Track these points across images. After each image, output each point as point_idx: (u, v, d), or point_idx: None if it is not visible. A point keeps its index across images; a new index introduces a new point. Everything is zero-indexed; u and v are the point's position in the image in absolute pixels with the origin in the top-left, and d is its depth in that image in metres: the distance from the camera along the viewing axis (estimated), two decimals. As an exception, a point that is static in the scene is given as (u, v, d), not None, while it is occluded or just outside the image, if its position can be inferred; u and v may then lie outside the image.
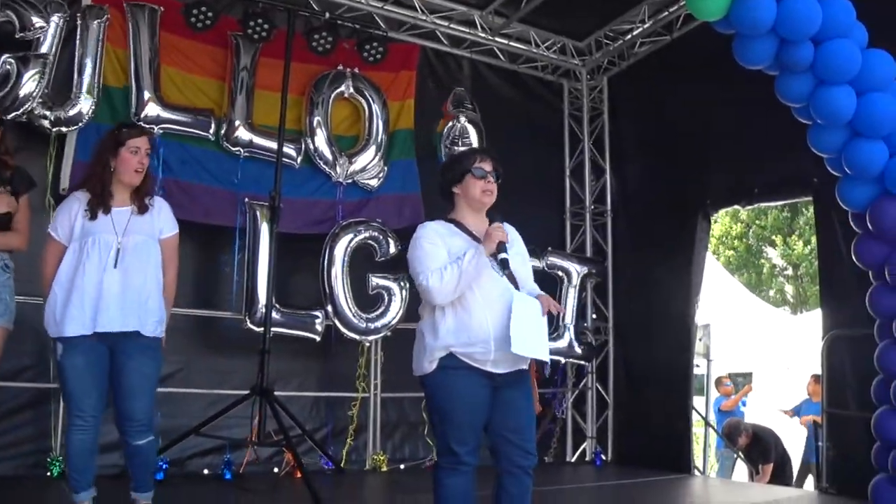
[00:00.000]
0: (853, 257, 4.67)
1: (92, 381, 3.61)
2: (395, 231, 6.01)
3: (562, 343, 6.73)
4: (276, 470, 5.51)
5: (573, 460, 7.08)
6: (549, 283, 6.79)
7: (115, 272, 3.61)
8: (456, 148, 6.37)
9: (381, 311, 5.95)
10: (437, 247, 3.23)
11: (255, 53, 5.74)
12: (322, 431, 5.95)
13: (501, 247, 3.15)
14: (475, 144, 6.48)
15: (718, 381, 9.49)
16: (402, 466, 6.10)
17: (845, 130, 4.52)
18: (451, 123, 6.54)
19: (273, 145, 5.66)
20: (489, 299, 3.19)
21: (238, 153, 5.67)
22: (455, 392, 3.21)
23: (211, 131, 5.61)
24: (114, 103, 5.35)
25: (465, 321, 3.18)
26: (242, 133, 5.66)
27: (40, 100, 5.05)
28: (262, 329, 5.32)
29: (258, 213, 5.58)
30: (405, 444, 6.24)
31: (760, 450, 7.68)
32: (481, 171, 3.33)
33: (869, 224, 4.61)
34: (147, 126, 4.93)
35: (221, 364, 5.66)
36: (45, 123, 5.11)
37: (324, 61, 6.01)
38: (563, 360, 6.79)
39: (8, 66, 5.00)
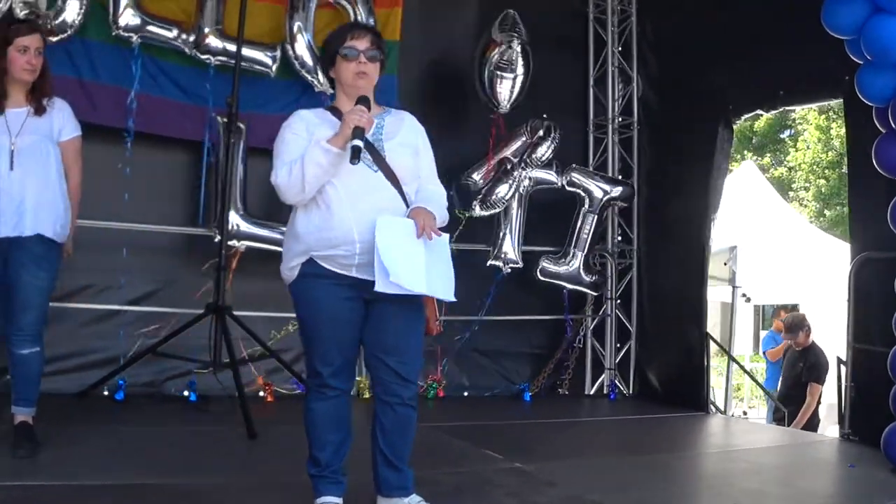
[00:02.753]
0: (874, 161, 3.99)
1: None
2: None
3: (568, 268, 6.23)
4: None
5: (591, 393, 6.60)
6: (565, 203, 6.27)
7: (10, 174, 3.43)
8: (502, 74, 5.86)
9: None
10: (298, 137, 2.82)
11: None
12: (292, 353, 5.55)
13: (357, 133, 2.68)
14: (520, 75, 5.89)
15: (776, 314, 8.78)
16: None
17: (866, 4, 3.83)
18: (501, 49, 5.85)
19: (251, 54, 5.33)
20: (354, 195, 2.76)
21: (208, 62, 5.31)
22: (315, 302, 2.82)
23: (181, 41, 5.25)
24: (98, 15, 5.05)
25: (326, 220, 2.77)
26: (213, 41, 5.25)
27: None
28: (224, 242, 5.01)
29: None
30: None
31: (814, 364, 6.69)
32: (352, 51, 2.87)
33: (891, 120, 3.92)
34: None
35: (199, 282, 5.38)
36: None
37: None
38: (567, 286, 6.28)
39: None
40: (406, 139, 2.95)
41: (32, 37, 3.55)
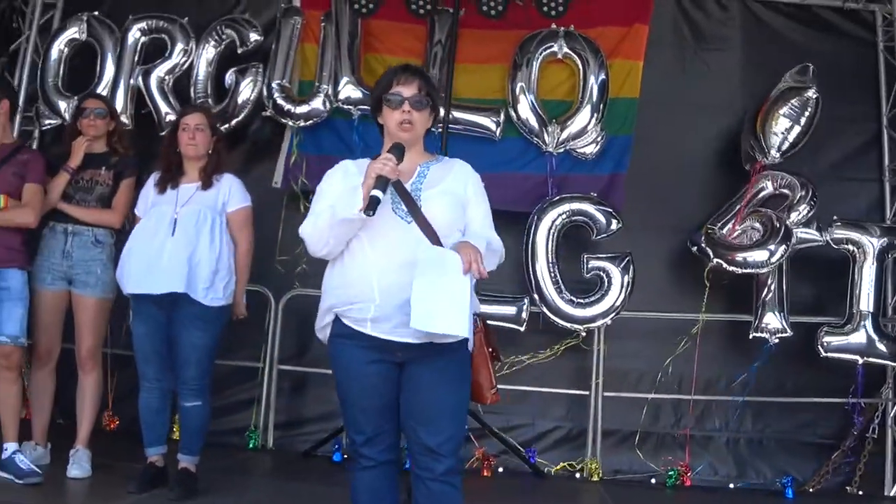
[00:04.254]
0: None
1: (151, 349, 3.87)
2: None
3: (858, 338, 5.18)
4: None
5: (892, 494, 5.37)
6: (835, 265, 5.31)
7: (172, 239, 3.79)
8: (784, 121, 5.23)
9: (598, 296, 5.15)
10: (332, 188, 2.67)
11: (451, 26, 5.35)
12: (527, 430, 5.34)
13: (379, 182, 2.46)
14: (803, 125, 5.21)
15: None
16: (617, 477, 5.17)
17: None
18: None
19: (473, 118, 5.36)
20: (382, 248, 2.55)
21: (434, 130, 5.37)
22: (343, 366, 2.63)
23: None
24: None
25: (348, 275, 2.59)
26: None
27: (282, 94, 5.37)
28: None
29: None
30: (623, 452, 5.28)
31: None
32: (397, 98, 2.66)
33: None
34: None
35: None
36: (289, 120, 5.43)
37: (533, 24, 5.44)
38: (860, 359, 5.20)
39: (230, 79, 5.49)
40: (449, 187, 2.68)
41: (193, 115, 4.08)
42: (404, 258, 2.50)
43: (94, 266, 4.19)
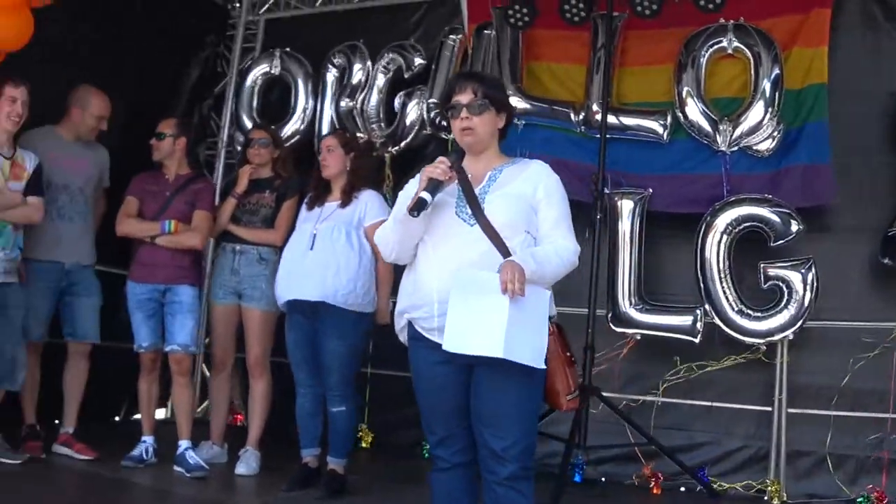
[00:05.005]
0: None
1: (301, 356, 4.21)
2: (801, 210, 4.77)
3: None
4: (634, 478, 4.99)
5: None
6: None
7: (310, 253, 4.12)
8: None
9: (777, 307, 4.78)
10: (405, 195, 2.73)
11: (608, 30, 5.24)
12: (712, 449, 5.03)
13: (430, 185, 2.51)
14: None
15: None
16: (802, 501, 4.70)
17: None
18: None
19: (640, 122, 5.22)
20: (444, 252, 2.59)
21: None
22: (415, 368, 2.71)
23: (573, 120, 5.35)
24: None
25: (414, 280, 2.65)
26: (600, 115, 5.18)
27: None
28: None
29: (616, 198, 5.09)
30: (813, 475, 4.80)
31: None
32: (455, 107, 2.69)
33: None
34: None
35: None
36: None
37: (697, 20, 5.13)
38: None
39: (399, 102, 5.78)
40: (516, 189, 2.65)
41: (326, 139, 4.48)
42: (463, 261, 2.54)
43: (259, 281, 4.59)
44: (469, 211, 2.61)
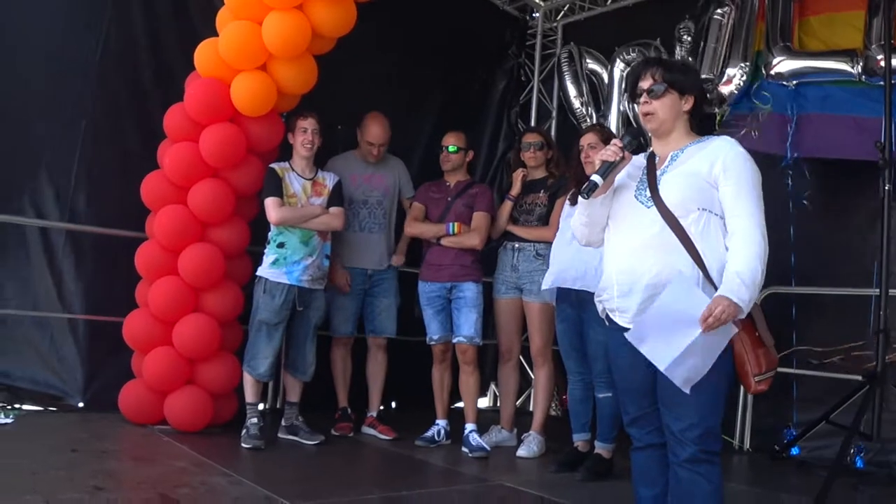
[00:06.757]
0: None
1: (569, 344, 4.45)
2: None
3: None
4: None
5: None
6: None
7: (571, 245, 4.22)
8: None
9: None
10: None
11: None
12: None
13: (602, 168, 2.57)
14: None
15: None
16: None
17: None
18: None
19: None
20: (622, 234, 2.65)
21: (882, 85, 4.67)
22: (608, 349, 2.78)
23: (852, 72, 4.86)
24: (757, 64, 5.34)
25: (603, 262, 2.72)
26: (883, 61, 4.64)
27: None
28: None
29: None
30: None
31: None
32: (638, 94, 2.71)
33: None
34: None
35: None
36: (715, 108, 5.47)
37: None
38: None
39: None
40: (691, 167, 2.58)
41: (588, 134, 4.54)
42: (638, 242, 2.56)
43: (536, 276, 4.80)
44: (648, 193, 2.63)
